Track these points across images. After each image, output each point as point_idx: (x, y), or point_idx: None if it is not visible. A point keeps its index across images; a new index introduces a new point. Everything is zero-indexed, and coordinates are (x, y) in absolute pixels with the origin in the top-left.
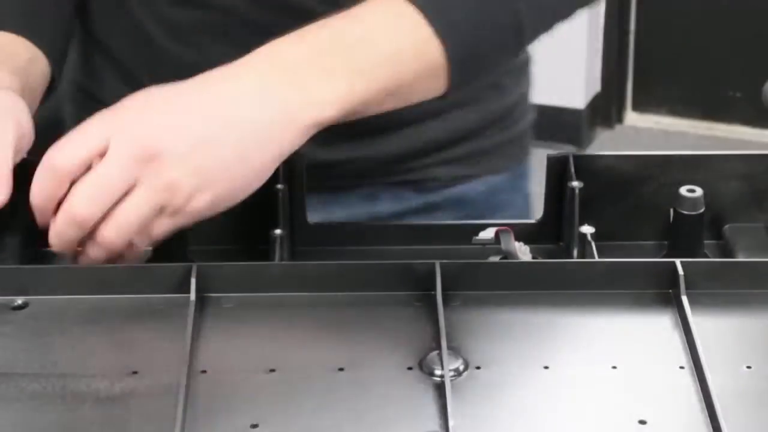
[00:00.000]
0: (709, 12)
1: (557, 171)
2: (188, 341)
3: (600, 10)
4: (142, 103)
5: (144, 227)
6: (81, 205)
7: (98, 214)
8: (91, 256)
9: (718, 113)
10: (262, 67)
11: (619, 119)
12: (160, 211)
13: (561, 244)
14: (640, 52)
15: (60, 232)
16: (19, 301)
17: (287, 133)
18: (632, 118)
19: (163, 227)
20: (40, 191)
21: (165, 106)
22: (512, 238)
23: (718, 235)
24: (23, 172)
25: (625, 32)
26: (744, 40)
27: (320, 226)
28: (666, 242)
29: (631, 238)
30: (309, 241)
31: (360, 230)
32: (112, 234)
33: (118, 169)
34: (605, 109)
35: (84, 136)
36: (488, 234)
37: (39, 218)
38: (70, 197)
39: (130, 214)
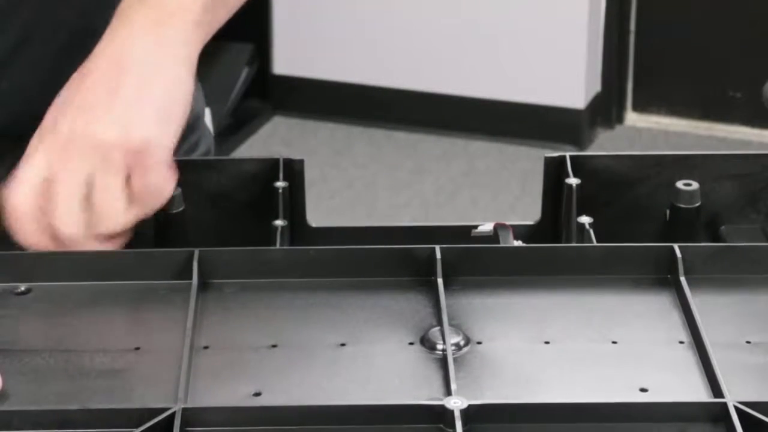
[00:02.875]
0: (709, 12)
1: (555, 171)
2: (190, 316)
3: (600, 10)
4: (55, 112)
5: (131, 195)
6: (65, 226)
7: (82, 225)
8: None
9: (718, 113)
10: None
11: (620, 119)
12: (131, 177)
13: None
14: (641, 53)
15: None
16: (23, 287)
17: (169, 55)
18: (632, 118)
19: (145, 182)
20: (25, 233)
21: (73, 101)
22: (511, 234)
23: (715, 236)
24: None
25: (625, 32)
26: (744, 40)
27: (321, 229)
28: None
29: (628, 238)
30: (309, 243)
31: (360, 232)
32: (106, 225)
33: (67, 182)
34: (605, 109)
35: (33, 174)
36: (487, 227)
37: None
38: (53, 228)
39: (103, 199)
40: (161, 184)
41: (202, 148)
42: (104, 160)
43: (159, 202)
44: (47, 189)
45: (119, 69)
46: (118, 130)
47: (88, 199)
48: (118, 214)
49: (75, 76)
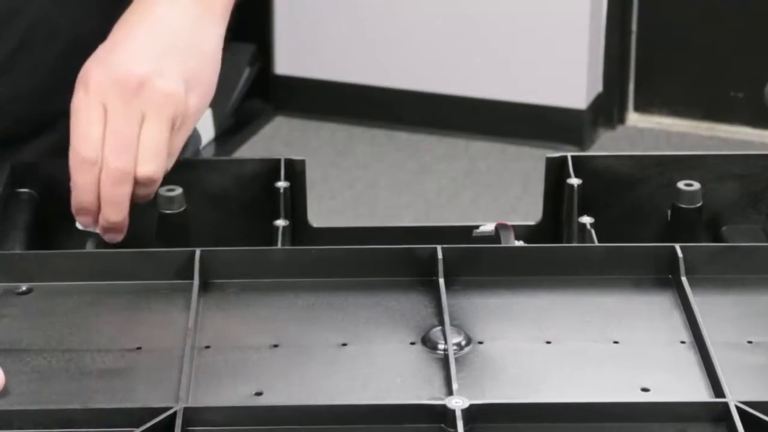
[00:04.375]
0: (710, 12)
1: (556, 172)
2: (192, 316)
3: (602, 10)
4: (103, 55)
5: (168, 147)
6: (119, 161)
7: (134, 161)
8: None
9: (719, 114)
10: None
11: (621, 120)
12: (173, 125)
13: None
14: (642, 53)
15: (113, 199)
16: (24, 287)
17: (211, 27)
18: (634, 118)
19: (180, 140)
20: (84, 186)
21: (121, 45)
22: (512, 234)
23: (716, 236)
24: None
25: (627, 33)
26: (745, 40)
27: (322, 229)
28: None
29: (629, 238)
30: (311, 243)
31: (362, 232)
32: (152, 167)
33: (123, 116)
34: (607, 109)
35: (85, 118)
36: (488, 228)
37: (90, 207)
38: (106, 166)
39: (156, 140)
40: (181, 146)
41: (189, 149)
42: (159, 109)
43: (171, 164)
44: (108, 138)
45: (167, 31)
46: (172, 86)
47: (135, 138)
48: (161, 163)
49: (124, 28)
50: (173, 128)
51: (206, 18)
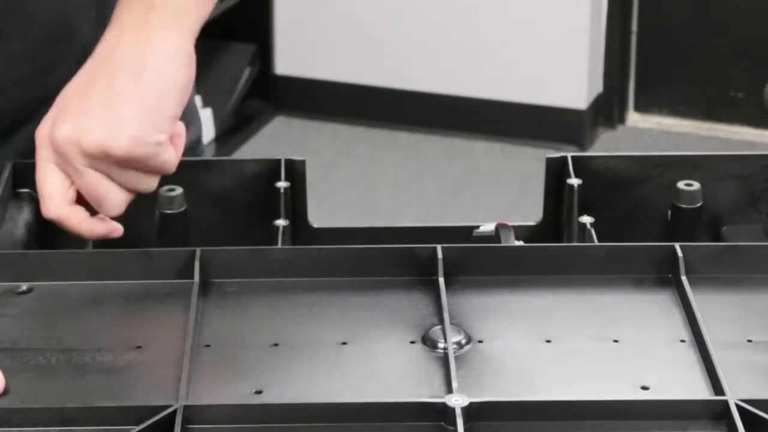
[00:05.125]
0: (711, 13)
1: (556, 172)
2: (192, 315)
3: (602, 10)
4: (50, 127)
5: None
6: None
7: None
8: None
9: (720, 114)
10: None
11: (621, 120)
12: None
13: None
14: (643, 53)
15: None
16: (24, 286)
17: (176, 61)
18: (634, 118)
19: (171, 152)
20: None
21: (69, 113)
22: (512, 234)
23: (716, 236)
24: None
25: (627, 33)
26: (746, 40)
27: (322, 229)
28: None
29: (629, 238)
30: (311, 243)
31: (362, 232)
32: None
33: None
34: (607, 109)
35: (49, 181)
36: (489, 227)
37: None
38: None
39: (104, 193)
40: (158, 168)
41: (191, 137)
42: (97, 160)
43: (150, 185)
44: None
45: (108, 70)
46: (102, 134)
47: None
48: (115, 201)
49: (74, 78)
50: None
51: (146, 42)
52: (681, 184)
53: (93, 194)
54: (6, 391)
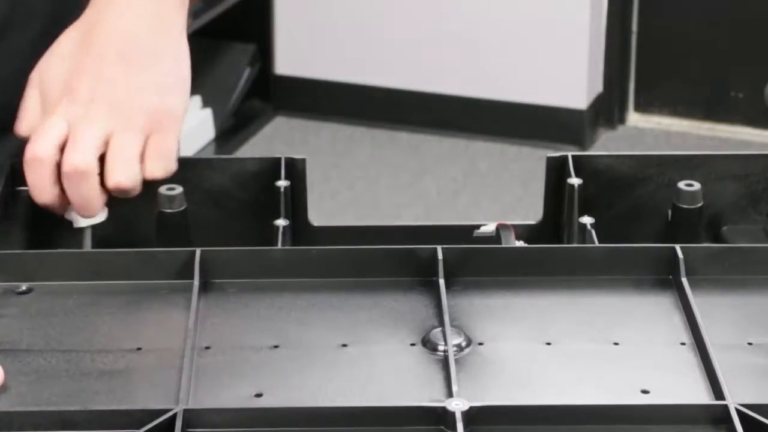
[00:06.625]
0: (711, 13)
1: (556, 171)
2: (192, 316)
3: (602, 10)
4: (65, 82)
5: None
6: (74, 159)
7: (92, 160)
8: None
9: (720, 114)
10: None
11: (622, 120)
12: (147, 139)
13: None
14: (643, 53)
15: (77, 200)
16: (24, 287)
17: (171, 19)
18: (634, 118)
19: (168, 142)
20: (35, 184)
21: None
22: (513, 234)
23: (717, 237)
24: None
25: (627, 33)
26: (746, 40)
27: (322, 228)
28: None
29: (629, 238)
30: (311, 243)
31: (362, 232)
32: (121, 176)
33: (86, 123)
34: (607, 109)
35: (48, 124)
36: (489, 228)
37: (51, 205)
38: (63, 165)
39: (125, 151)
40: (172, 148)
41: None
42: (127, 121)
43: (167, 168)
44: (68, 142)
45: (128, 39)
46: (140, 96)
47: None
48: (132, 171)
49: (74, 36)
50: (151, 135)
51: (164, 13)
52: (681, 184)
53: (85, 137)
54: (6, 394)
